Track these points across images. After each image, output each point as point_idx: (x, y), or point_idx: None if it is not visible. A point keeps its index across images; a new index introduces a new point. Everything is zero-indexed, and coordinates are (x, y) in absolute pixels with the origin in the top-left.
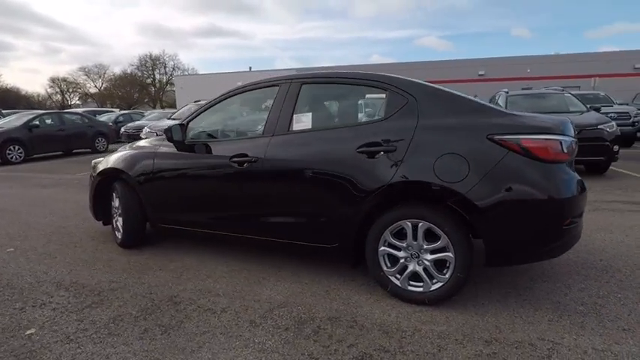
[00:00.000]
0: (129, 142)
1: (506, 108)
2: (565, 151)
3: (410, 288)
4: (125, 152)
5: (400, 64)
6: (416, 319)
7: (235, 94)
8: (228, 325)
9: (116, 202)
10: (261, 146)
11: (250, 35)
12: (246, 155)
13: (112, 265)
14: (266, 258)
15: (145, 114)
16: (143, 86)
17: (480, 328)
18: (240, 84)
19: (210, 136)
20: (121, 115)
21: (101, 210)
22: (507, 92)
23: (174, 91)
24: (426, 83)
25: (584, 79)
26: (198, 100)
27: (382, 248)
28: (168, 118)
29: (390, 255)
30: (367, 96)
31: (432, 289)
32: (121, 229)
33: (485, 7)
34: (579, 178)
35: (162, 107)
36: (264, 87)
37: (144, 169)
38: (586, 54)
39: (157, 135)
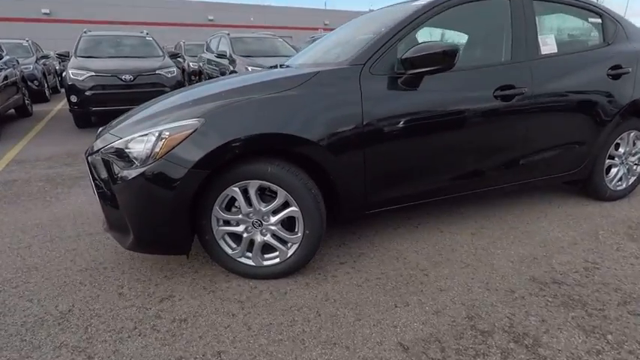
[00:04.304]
0: None
1: (233, 50)
2: None
3: (618, 188)
4: (261, 101)
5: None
6: (630, 209)
7: (441, 10)
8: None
9: (285, 205)
10: (521, 74)
11: None
12: (513, 87)
13: (362, 297)
14: (427, 214)
15: None
16: None
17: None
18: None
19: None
20: None
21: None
22: (229, 34)
23: None
24: None
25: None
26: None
27: (607, 161)
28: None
29: (609, 166)
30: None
31: (630, 183)
32: (290, 248)
33: None
34: None
35: None
36: None
37: (346, 124)
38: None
39: None
